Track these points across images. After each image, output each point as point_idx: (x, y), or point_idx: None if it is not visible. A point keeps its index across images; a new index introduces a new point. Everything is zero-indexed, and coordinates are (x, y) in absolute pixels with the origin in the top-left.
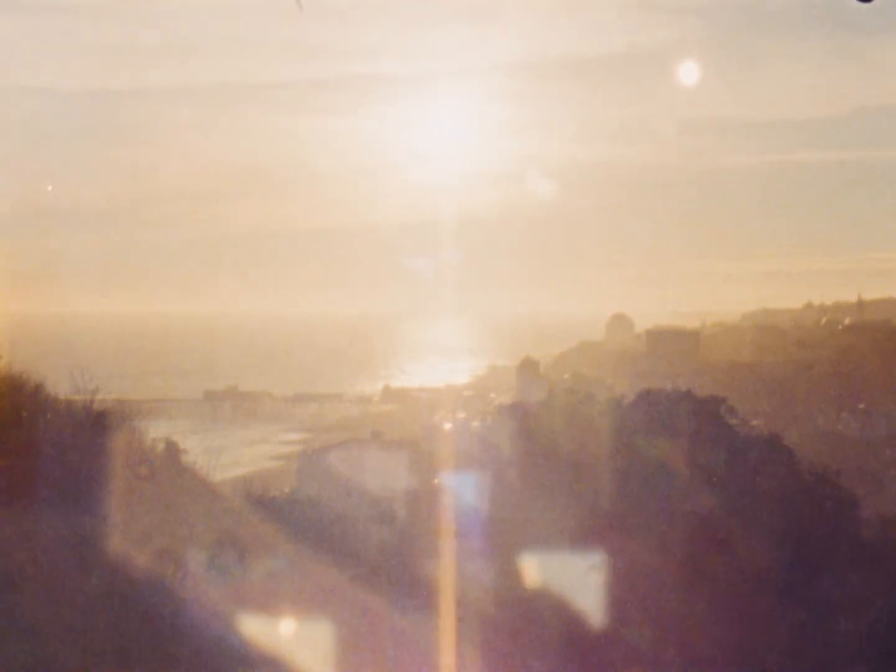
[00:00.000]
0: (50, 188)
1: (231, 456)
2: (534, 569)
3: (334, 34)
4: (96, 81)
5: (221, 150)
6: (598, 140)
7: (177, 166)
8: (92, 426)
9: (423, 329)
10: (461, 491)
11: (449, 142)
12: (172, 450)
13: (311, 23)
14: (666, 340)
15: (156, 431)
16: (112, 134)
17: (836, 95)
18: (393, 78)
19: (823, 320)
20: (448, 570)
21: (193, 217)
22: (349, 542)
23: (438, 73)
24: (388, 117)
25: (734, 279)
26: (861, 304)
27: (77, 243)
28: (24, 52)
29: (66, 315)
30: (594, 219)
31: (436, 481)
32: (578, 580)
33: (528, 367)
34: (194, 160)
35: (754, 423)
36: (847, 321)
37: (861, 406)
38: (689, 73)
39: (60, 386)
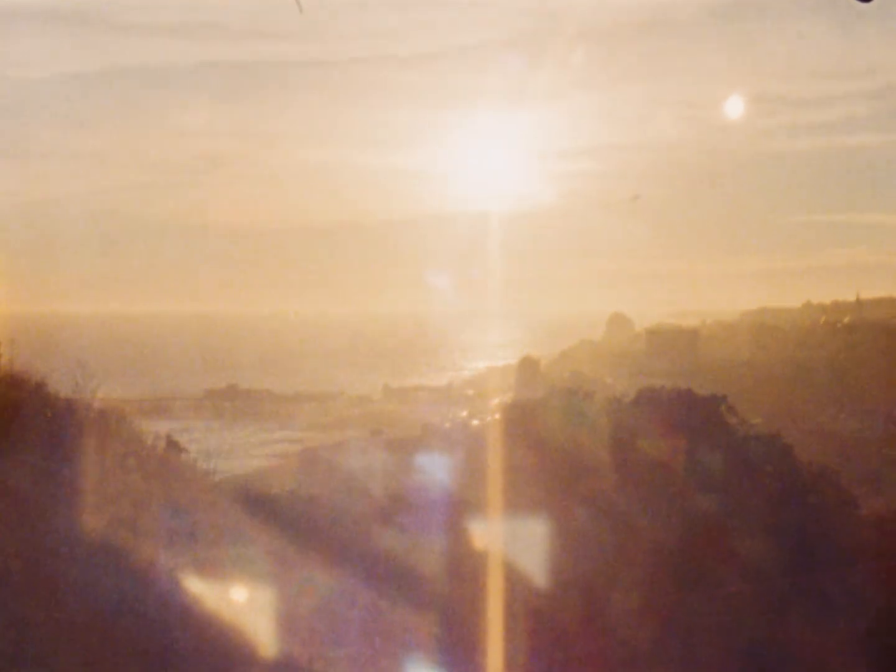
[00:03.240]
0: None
1: (231, 454)
2: (532, 569)
3: (336, 16)
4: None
5: (217, 142)
6: (611, 123)
7: (171, 157)
8: (93, 424)
9: (426, 329)
10: (459, 489)
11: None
12: (173, 448)
13: (312, 7)
14: (665, 339)
15: (157, 430)
16: (91, 119)
17: (862, 71)
18: (405, 59)
19: (822, 319)
20: (447, 569)
21: (192, 214)
22: (349, 540)
23: (442, 55)
24: (405, 97)
25: (733, 278)
26: (860, 303)
27: (73, 240)
28: None
29: (66, 314)
30: (597, 214)
31: (434, 479)
32: (578, 579)
33: (528, 366)
34: (188, 150)
35: (753, 421)
36: (846, 320)
37: (860, 405)
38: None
39: (61, 384)
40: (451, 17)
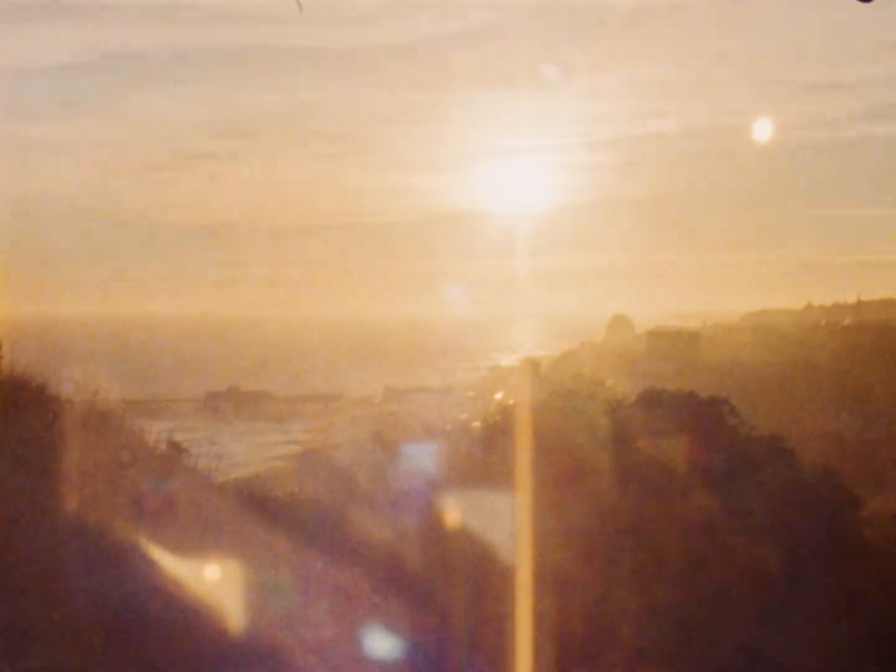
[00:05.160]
0: None
1: (233, 456)
2: (533, 570)
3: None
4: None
5: (214, 137)
6: (614, 116)
7: (166, 152)
8: (94, 426)
9: (427, 331)
10: (460, 491)
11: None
12: (174, 449)
13: None
14: (666, 341)
15: (158, 431)
16: (83, 110)
17: (876, 59)
18: (406, 47)
19: (823, 321)
20: (447, 569)
21: (190, 212)
22: (349, 542)
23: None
24: (406, 89)
25: (734, 277)
26: (860, 305)
27: (72, 239)
28: None
29: (67, 315)
30: (599, 211)
31: (435, 480)
32: (580, 580)
33: (529, 368)
34: (186, 146)
35: (755, 423)
36: (847, 322)
37: (861, 406)
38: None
39: (62, 386)
40: (450, 2)
